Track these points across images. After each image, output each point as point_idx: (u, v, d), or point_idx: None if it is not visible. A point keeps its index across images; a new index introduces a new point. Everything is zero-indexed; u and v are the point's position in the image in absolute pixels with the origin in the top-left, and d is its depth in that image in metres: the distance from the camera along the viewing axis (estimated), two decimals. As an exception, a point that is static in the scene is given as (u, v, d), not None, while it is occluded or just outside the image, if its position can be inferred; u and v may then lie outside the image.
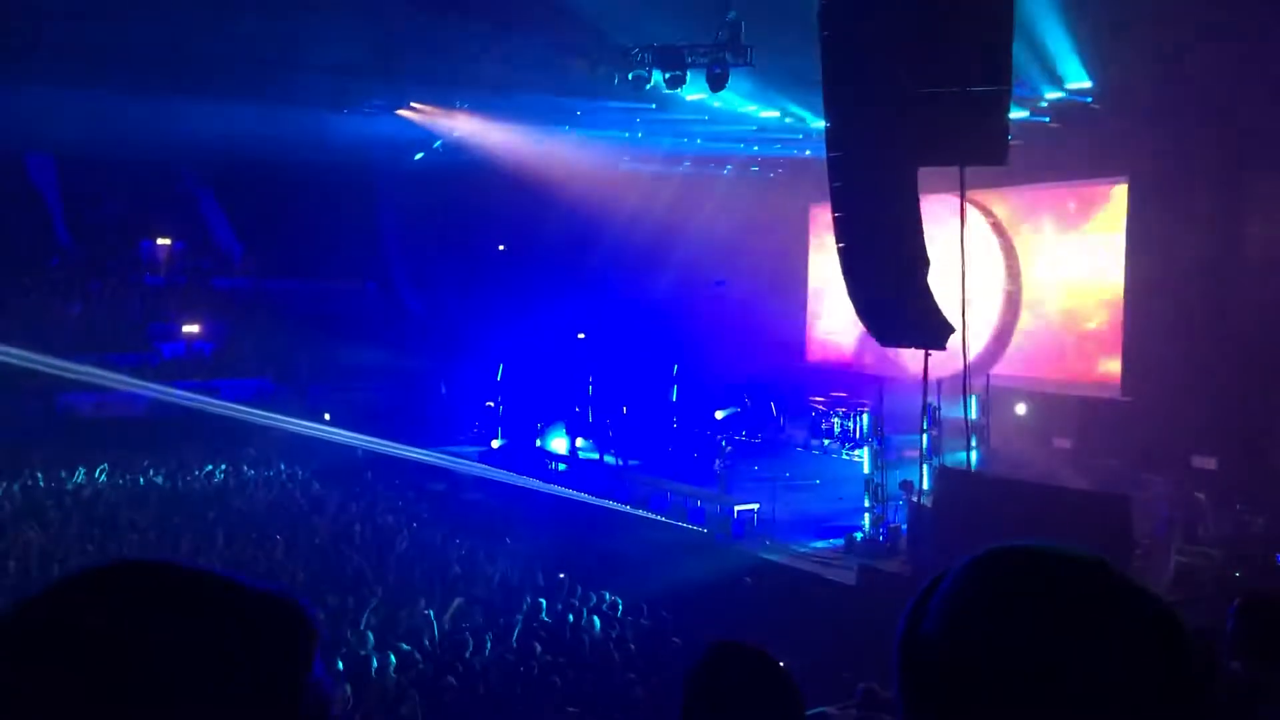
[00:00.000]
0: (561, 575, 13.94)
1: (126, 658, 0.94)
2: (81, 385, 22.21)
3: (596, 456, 23.73)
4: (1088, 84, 18.55)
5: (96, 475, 19.16)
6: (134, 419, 23.59)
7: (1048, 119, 19.58)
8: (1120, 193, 20.35)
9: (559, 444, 24.32)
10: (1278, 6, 14.35)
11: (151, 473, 19.79)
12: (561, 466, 22.94)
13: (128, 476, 19.42)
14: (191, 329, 28.10)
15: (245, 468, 20.65)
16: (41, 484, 18.37)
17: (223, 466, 20.42)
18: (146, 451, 20.91)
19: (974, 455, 16.66)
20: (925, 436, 16.18)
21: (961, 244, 15.32)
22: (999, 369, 21.00)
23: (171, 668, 0.95)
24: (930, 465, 16.08)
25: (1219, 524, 15.47)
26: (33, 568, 13.13)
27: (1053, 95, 19.07)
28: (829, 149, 14.02)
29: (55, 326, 24.93)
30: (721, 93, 17.85)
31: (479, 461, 22.99)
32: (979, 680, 1.06)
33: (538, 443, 24.32)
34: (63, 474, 19.00)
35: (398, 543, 15.77)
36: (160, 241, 29.99)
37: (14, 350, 19.80)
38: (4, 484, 17.90)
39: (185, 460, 20.58)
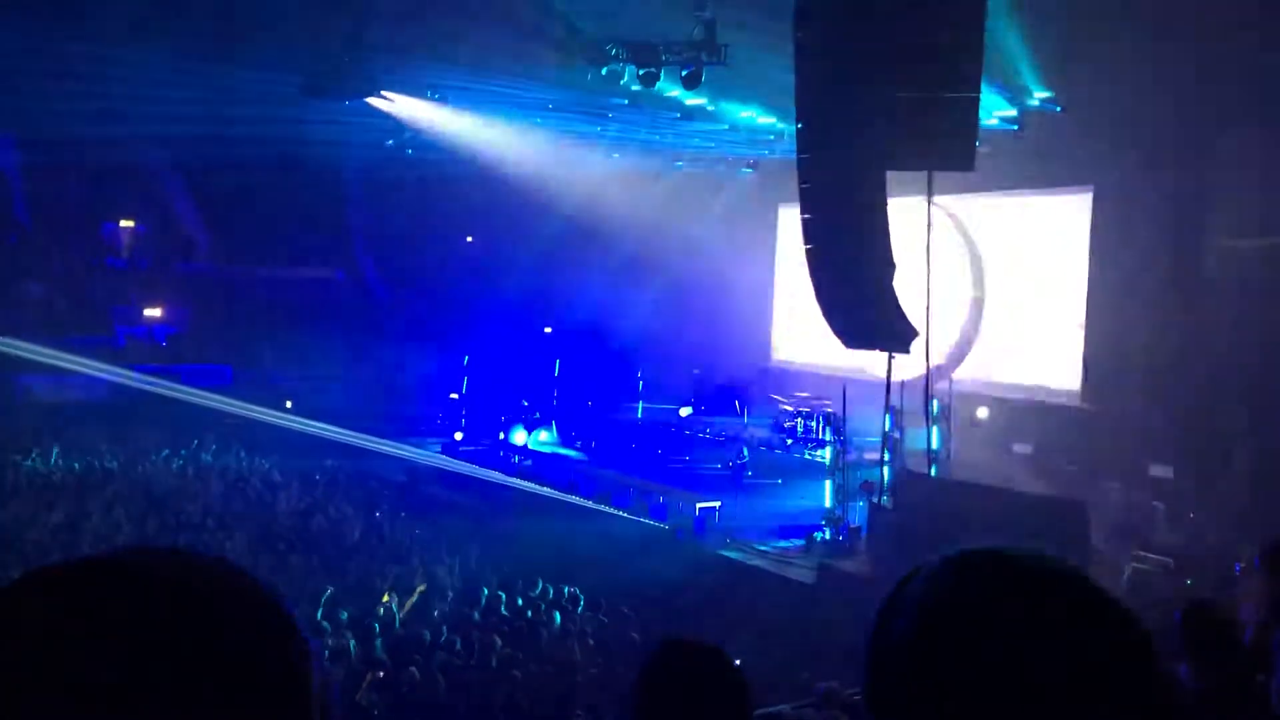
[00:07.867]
0: (522, 568, 13.92)
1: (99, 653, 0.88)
2: (41, 367, 21.88)
3: (560, 450, 23.73)
4: (1054, 94, 18.74)
5: (52, 460, 18.91)
6: (94, 403, 23.29)
7: (1016, 127, 19.76)
8: (1085, 202, 20.54)
9: (521, 437, 24.28)
10: (1242, 15, 14.52)
11: (108, 458, 19.55)
12: (521, 459, 22.92)
13: (84, 461, 19.18)
14: (154, 313, 27.77)
15: (204, 454, 20.47)
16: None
17: (181, 453, 20.22)
18: (105, 436, 20.67)
19: (934, 458, 16.79)
20: (887, 438, 16.29)
21: (928, 249, 15.48)
22: (961, 373, 21.14)
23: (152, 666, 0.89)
24: (891, 467, 16.19)
25: (1173, 533, 15.67)
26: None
27: (1021, 104, 19.26)
28: (799, 150, 14.07)
29: (15, 307, 24.55)
30: (694, 91, 17.90)
31: (441, 453, 22.92)
32: (950, 684, 1.07)
33: (501, 435, 24.26)
34: (17, 457, 18.75)
35: (356, 533, 15.68)
36: (124, 224, 29.54)
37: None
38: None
39: (143, 446, 20.35)
